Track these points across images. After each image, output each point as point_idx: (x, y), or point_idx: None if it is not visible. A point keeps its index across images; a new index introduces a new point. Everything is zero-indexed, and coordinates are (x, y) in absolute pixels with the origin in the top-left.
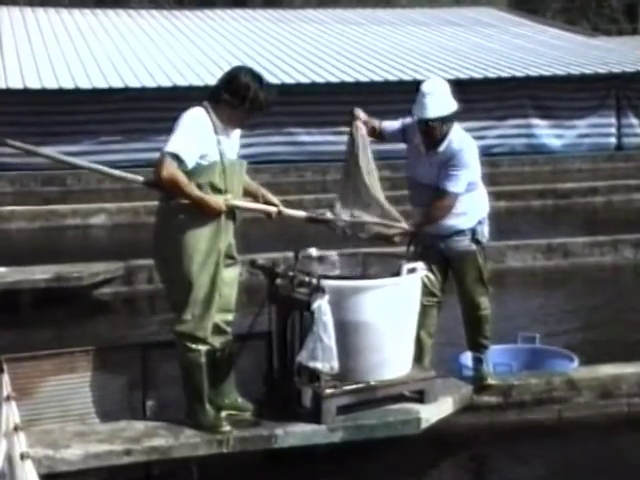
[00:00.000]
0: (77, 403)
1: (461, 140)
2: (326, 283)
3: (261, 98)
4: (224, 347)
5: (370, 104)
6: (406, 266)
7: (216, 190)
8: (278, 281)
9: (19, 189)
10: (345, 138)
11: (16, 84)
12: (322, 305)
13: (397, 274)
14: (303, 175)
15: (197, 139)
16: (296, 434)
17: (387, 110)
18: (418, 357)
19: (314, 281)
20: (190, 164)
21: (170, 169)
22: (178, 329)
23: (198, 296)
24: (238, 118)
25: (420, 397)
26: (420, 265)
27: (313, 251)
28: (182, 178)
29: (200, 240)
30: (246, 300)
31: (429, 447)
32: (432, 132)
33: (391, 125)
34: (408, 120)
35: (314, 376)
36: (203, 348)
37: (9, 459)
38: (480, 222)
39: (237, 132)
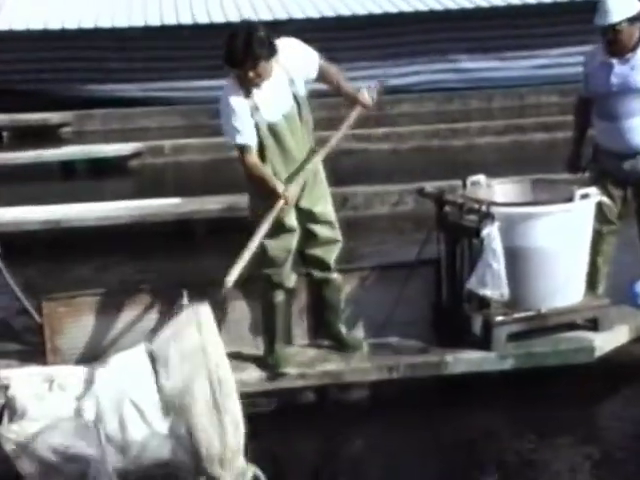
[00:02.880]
0: (253, 328)
1: None
2: (496, 210)
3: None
4: (326, 280)
5: (534, 27)
6: (579, 192)
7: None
8: (446, 208)
9: (190, 123)
10: (509, 64)
11: (154, 21)
12: (492, 232)
13: (569, 200)
14: (468, 103)
15: (242, 117)
16: (466, 361)
17: (549, 33)
18: (592, 285)
19: (483, 208)
20: (254, 142)
21: (254, 170)
22: (263, 270)
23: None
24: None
25: (594, 325)
26: (594, 191)
27: (481, 178)
28: (264, 172)
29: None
30: (413, 228)
31: (602, 376)
32: (620, 37)
33: (584, 96)
34: (582, 74)
35: (484, 303)
36: (279, 291)
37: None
38: None
39: (279, 80)
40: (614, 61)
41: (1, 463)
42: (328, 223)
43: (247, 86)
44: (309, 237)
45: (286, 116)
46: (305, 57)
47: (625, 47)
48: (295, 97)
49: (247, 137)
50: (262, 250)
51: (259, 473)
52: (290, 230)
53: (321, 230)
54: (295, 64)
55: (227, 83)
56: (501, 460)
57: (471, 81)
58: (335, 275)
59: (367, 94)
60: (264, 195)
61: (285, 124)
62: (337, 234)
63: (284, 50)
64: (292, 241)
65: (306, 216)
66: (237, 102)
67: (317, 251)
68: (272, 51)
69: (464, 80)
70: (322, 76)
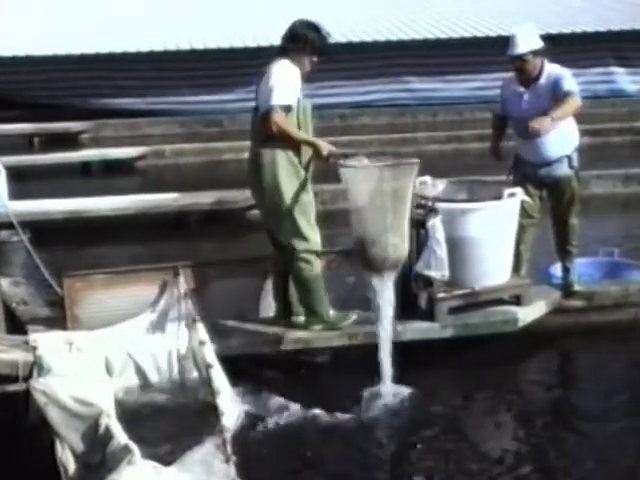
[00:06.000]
0: (236, 302)
1: (557, 68)
2: (439, 205)
3: (316, 41)
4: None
5: (470, 56)
6: (506, 191)
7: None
8: None
9: (187, 130)
10: (451, 86)
11: (158, 47)
12: (436, 223)
13: (498, 198)
14: (416, 117)
15: (294, 85)
16: (414, 330)
17: (482, 61)
18: (516, 267)
19: (429, 203)
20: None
21: (279, 123)
22: (300, 247)
23: (310, 221)
24: (308, 64)
25: (517, 301)
26: (519, 190)
27: (428, 178)
28: (291, 128)
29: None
30: None
31: (525, 343)
32: (526, 66)
33: (499, 114)
34: (499, 97)
35: (429, 282)
36: (318, 261)
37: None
38: (574, 150)
39: None
40: (523, 90)
41: (33, 411)
42: None
43: (307, 72)
44: None
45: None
46: None
47: (530, 75)
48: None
49: (293, 101)
50: (304, 235)
51: None
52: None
53: None
54: None
55: (286, 63)
56: (437, 413)
57: (419, 99)
58: None
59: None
60: (294, 148)
61: (308, 109)
62: None
63: None
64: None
65: None
66: (297, 76)
67: None
68: None
69: (414, 98)
70: None
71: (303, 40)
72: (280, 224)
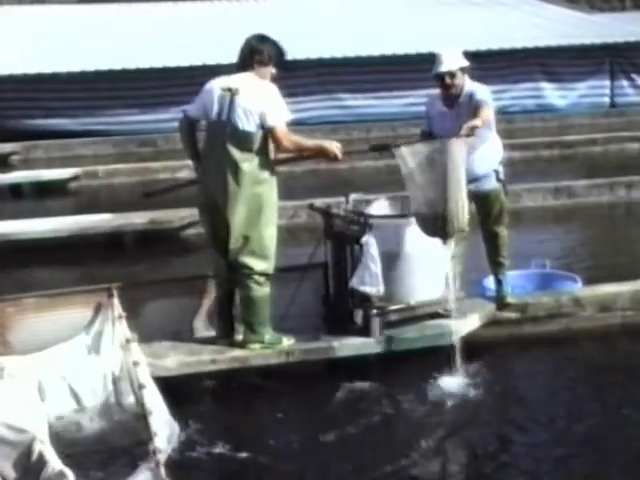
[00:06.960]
0: (172, 322)
1: (476, 85)
2: (373, 221)
3: (276, 53)
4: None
5: (402, 72)
6: None
7: None
8: (333, 220)
9: (120, 150)
10: (384, 102)
11: (89, 67)
12: (369, 239)
13: None
14: (351, 133)
15: (281, 97)
16: (349, 346)
17: (414, 77)
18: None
19: (363, 220)
20: None
21: (288, 137)
22: (258, 267)
23: (273, 242)
24: (269, 76)
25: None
26: None
27: (361, 195)
28: (299, 138)
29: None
30: (306, 237)
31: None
32: (454, 83)
33: (426, 130)
34: (425, 114)
35: (364, 298)
36: (269, 283)
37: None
38: (500, 164)
39: None
40: (446, 110)
41: None
42: None
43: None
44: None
45: None
46: None
47: (456, 92)
48: None
49: (290, 114)
50: (267, 256)
51: None
52: None
53: None
54: None
55: (255, 78)
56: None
57: (353, 115)
58: None
59: None
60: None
61: None
62: None
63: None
64: None
65: None
66: (277, 89)
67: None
68: None
69: (347, 115)
70: None
71: (267, 54)
72: (246, 243)
